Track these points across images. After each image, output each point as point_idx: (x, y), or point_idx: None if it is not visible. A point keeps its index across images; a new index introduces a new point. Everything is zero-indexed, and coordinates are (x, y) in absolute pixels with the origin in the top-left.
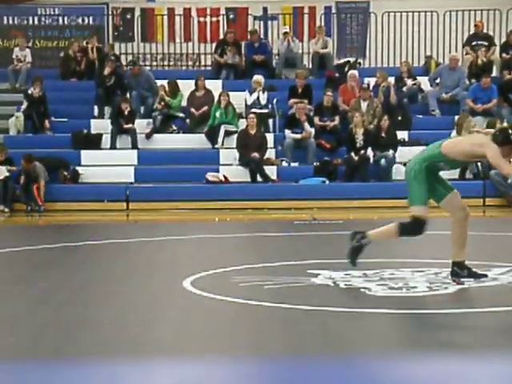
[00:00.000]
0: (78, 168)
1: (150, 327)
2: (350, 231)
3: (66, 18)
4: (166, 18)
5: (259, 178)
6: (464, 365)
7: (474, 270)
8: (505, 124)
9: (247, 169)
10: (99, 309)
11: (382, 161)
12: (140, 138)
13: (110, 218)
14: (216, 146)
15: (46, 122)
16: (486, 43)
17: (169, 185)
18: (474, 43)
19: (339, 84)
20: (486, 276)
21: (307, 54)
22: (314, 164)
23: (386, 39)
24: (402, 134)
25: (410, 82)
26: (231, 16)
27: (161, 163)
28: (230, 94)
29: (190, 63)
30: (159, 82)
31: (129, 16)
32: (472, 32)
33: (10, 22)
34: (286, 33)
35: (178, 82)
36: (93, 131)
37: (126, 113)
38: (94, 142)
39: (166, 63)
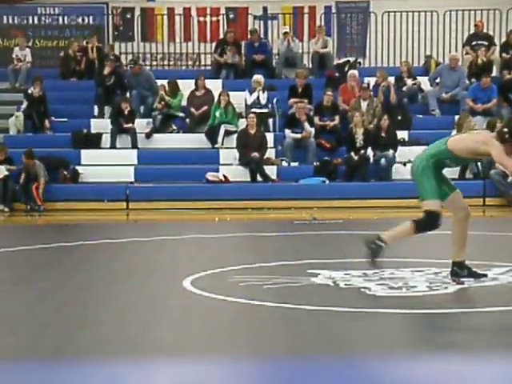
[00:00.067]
0: (77, 167)
1: (150, 327)
2: (365, 237)
3: (65, 18)
4: (165, 17)
5: (259, 178)
6: (464, 365)
7: (473, 269)
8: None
9: (247, 168)
10: (99, 309)
11: (382, 160)
12: (140, 138)
13: (109, 218)
14: (216, 146)
15: (46, 122)
16: (485, 43)
17: (169, 184)
18: (473, 43)
19: (339, 84)
20: (485, 276)
21: (307, 53)
22: (314, 164)
23: (385, 39)
24: (402, 134)
25: (409, 81)
26: (231, 16)
27: (161, 163)
28: (230, 93)
29: (190, 63)
30: (159, 82)
31: (129, 16)
32: (472, 32)
33: (10, 21)
34: (286, 32)
35: (178, 81)
36: (93, 131)
37: (125, 112)
38: (93, 142)
39: (165, 63)
